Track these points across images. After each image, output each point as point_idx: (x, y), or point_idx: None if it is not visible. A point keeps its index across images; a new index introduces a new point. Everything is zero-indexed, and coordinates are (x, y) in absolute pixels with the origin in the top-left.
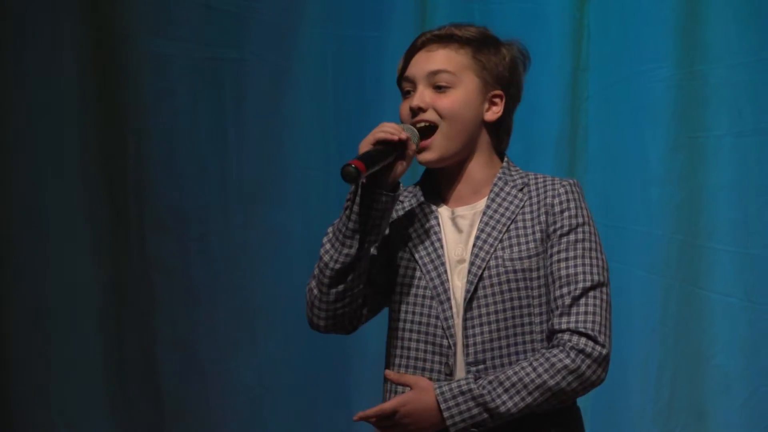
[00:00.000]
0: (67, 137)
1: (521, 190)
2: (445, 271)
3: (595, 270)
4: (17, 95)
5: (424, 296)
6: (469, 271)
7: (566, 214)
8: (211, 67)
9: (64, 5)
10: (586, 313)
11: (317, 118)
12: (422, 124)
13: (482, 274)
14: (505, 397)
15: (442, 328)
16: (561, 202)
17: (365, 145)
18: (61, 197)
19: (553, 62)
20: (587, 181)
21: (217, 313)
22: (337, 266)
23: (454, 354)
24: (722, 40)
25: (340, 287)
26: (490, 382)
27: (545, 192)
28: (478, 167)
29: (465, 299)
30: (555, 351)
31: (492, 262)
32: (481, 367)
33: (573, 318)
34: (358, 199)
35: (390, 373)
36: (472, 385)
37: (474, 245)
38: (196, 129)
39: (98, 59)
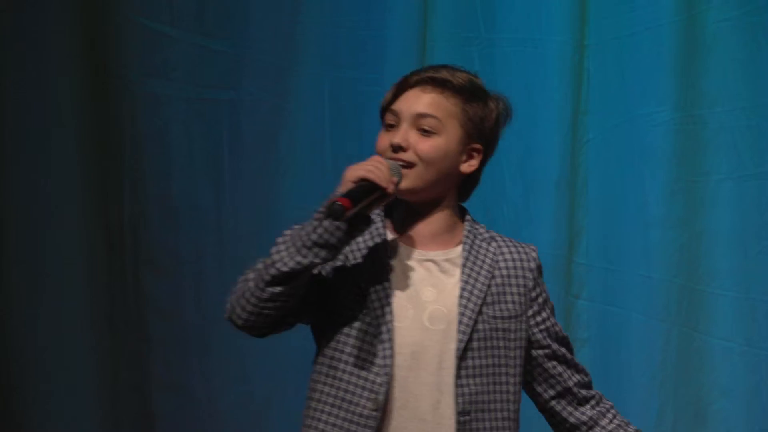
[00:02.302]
0: (64, 178)
1: (490, 243)
2: (390, 311)
3: None
4: (15, 137)
5: (361, 330)
6: (460, 322)
7: (541, 280)
8: (207, 107)
9: (60, 45)
10: (582, 365)
11: (313, 160)
12: (400, 164)
13: (474, 327)
14: None
15: (377, 365)
16: (538, 267)
17: (352, 175)
18: (56, 235)
19: (553, 105)
20: (587, 224)
21: (210, 354)
22: (284, 269)
23: (386, 392)
24: (721, 84)
25: (277, 289)
26: None
27: (518, 253)
28: (444, 214)
29: (458, 350)
30: (607, 406)
31: (479, 318)
32: (467, 417)
33: (583, 374)
34: (328, 221)
35: None
36: None
37: (461, 296)
38: (192, 170)
39: (94, 99)
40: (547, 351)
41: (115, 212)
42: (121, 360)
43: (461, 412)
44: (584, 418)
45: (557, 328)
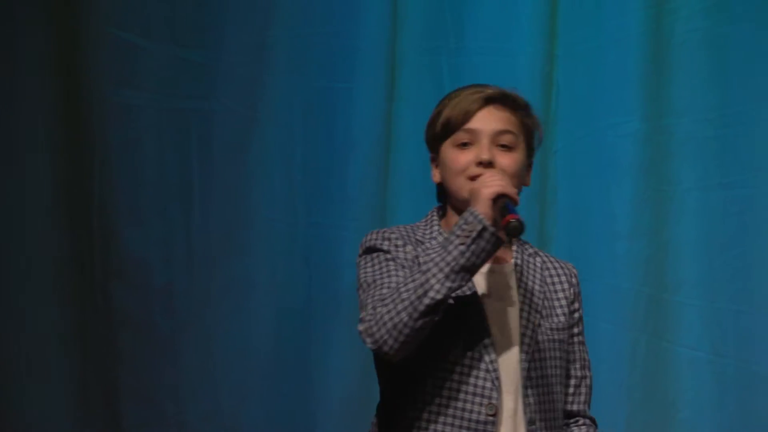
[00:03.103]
0: (33, 187)
1: (536, 257)
2: (485, 318)
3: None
4: None
5: (465, 341)
6: (523, 335)
7: (580, 297)
8: (178, 117)
9: (32, 56)
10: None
11: (284, 169)
12: None
13: (536, 338)
14: None
15: (487, 371)
16: (578, 283)
17: (488, 192)
18: (25, 246)
19: None
20: (556, 234)
21: (180, 365)
22: (438, 297)
23: (499, 396)
24: (688, 95)
25: (429, 317)
26: None
27: (562, 268)
28: None
29: (522, 361)
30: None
31: (539, 329)
32: (533, 427)
33: (588, 408)
34: (479, 240)
35: None
36: None
37: (521, 309)
38: (162, 179)
39: (65, 109)
40: (569, 365)
41: (85, 222)
42: (90, 372)
43: (529, 422)
44: None
45: (584, 348)
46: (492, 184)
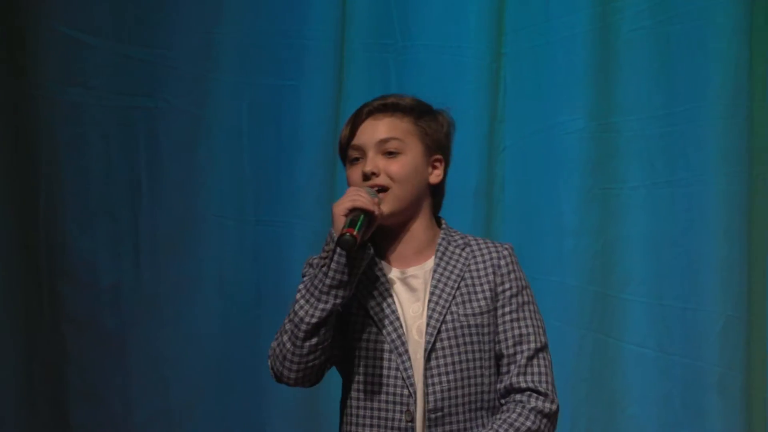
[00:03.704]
0: None
1: (464, 249)
2: (401, 326)
3: (541, 332)
4: None
5: (382, 350)
6: (428, 325)
7: (512, 275)
8: (125, 115)
9: None
10: (539, 373)
11: (232, 167)
12: (375, 189)
13: (440, 327)
14: None
15: (402, 379)
16: (507, 264)
17: (340, 209)
18: None
19: (470, 114)
20: (504, 232)
21: (128, 364)
22: (313, 320)
23: (414, 402)
24: (634, 93)
25: (314, 340)
26: None
27: (489, 253)
28: (421, 228)
29: (426, 350)
30: (515, 415)
31: (448, 317)
32: (439, 414)
33: (529, 378)
34: (337, 257)
35: None
36: None
37: (429, 301)
38: (109, 178)
39: (10, 107)
40: (498, 346)
41: (32, 222)
42: (37, 372)
43: (432, 410)
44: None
45: (520, 323)
46: (343, 200)
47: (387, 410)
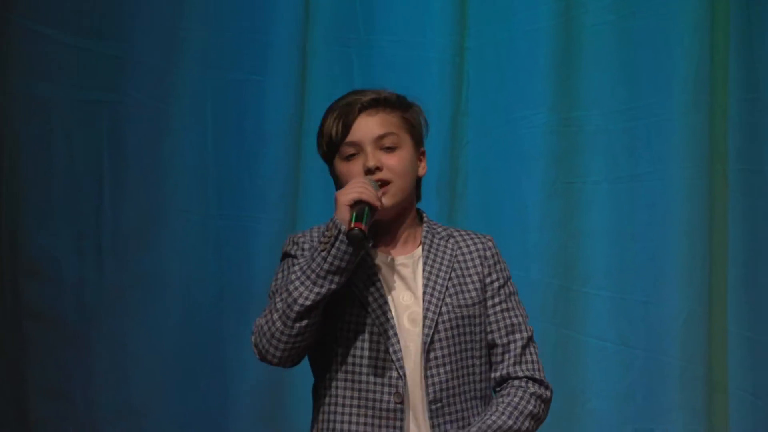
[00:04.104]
0: None
1: (448, 240)
2: (389, 309)
3: (527, 321)
4: None
5: (371, 332)
6: (425, 317)
7: (498, 267)
8: (88, 110)
9: None
10: (533, 362)
11: (196, 162)
12: (379, 183)
13: (437, 320)
14: None
15: (391, 361)
16: (493, 255)
17: (346, 199)
18: None
19: (433, 107)
20: (466, 226)
21: (91, 360)
22: (307, 303)
23: (405, 385)
24: (597, 87)
25: (304, 322)
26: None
27: (475, 244)
28: (409, 218)
29: (424, 343)
30: (517, 399)
31: (443, 309)
32: (439, 405)
33: (524, 366)
34: (338, 244)
35: None
36: None
37: (424, 293)
38: (72, 172)
39: None
40: (491, 336)
41: None
42: None
43: (432, 401)
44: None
45: (510, 313)
46: (350, 191)
47: (375, 391)
